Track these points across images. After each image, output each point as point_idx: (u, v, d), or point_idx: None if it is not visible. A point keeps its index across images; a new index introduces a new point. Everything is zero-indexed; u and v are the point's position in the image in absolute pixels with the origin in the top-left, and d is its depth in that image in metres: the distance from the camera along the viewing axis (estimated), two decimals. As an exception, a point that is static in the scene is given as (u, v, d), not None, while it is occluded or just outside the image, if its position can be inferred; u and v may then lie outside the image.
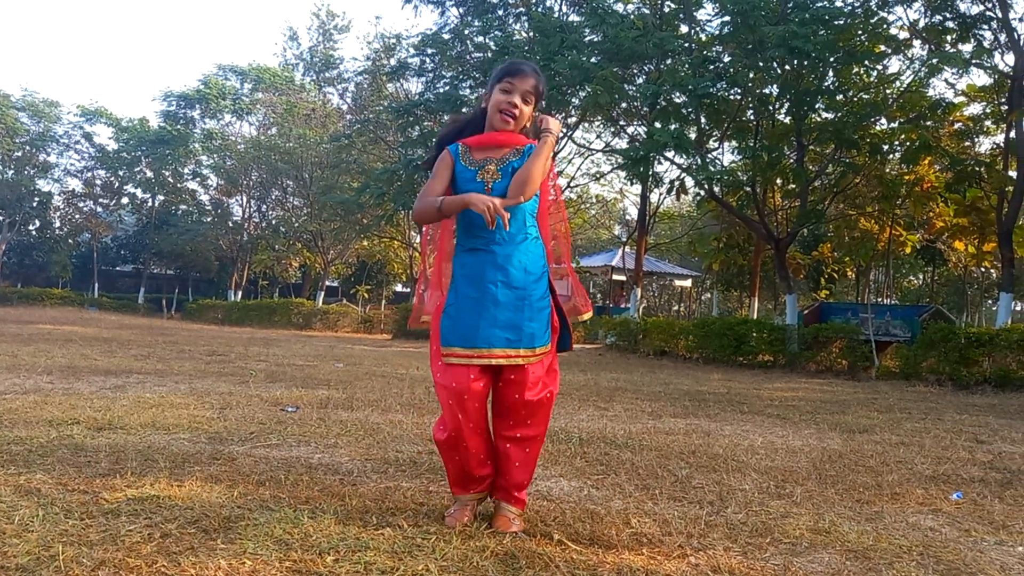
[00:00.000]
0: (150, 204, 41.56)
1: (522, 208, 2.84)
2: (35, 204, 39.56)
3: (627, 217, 38.27)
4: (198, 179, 41.86)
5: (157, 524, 2.57)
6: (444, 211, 2.82)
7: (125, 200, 41.86)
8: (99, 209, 41.16)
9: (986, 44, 15.45)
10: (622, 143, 22.50)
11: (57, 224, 41.47)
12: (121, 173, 40.18)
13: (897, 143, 16.76)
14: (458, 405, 2.73)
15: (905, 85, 16.23)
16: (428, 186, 2.89)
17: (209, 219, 39.79)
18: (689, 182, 18.97)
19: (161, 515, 2.67)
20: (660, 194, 23.69)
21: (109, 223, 41.46)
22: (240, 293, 37.60)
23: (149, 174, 39.91)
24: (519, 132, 2.90)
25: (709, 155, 17.58)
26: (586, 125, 25.04)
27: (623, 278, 28.51)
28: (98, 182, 40.92)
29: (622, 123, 21.33)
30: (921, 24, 15.95)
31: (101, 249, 41.50)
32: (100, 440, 4.06)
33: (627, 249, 27.14)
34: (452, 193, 2.88)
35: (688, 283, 34.87)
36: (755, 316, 21.60)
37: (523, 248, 2.85)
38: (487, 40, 21.72)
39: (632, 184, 24.64)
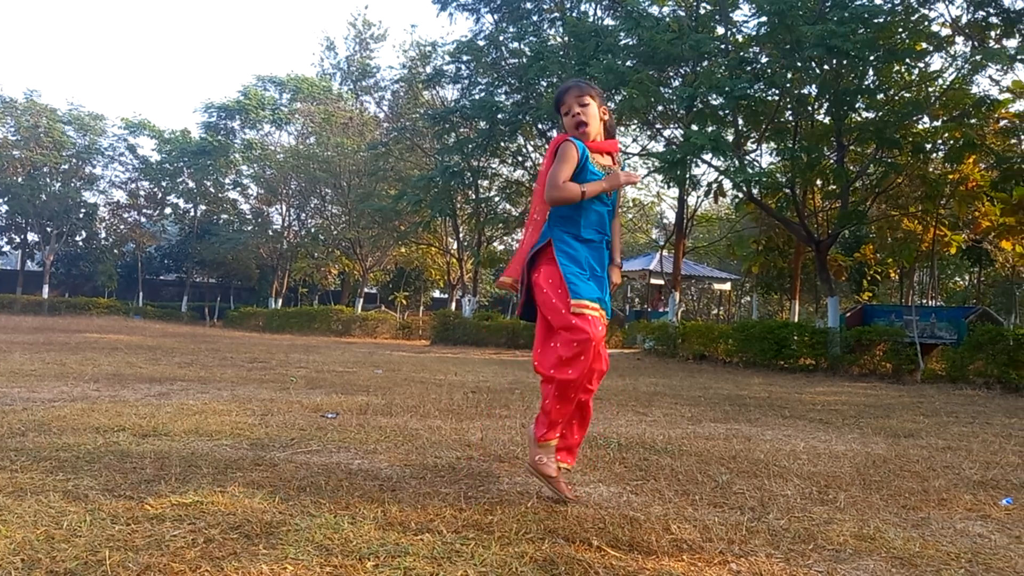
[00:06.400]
0: (192, 214, 42.28)
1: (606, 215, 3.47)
2: (81, 215, 40.38)
3: (664, 221, 38.09)
4: (239, 189, 42.48)
5: (201, 529, 2.61)
6: (588, 195, 3.29)
7: (168, 210, 42.57)
8: (143, 219, 41.94)
9: (1031, 39, 15.13)
10: (658, 146, 22.41)
11: (103, 235, 42.31)
12: (164, 184, 40.93)
13: (940, 142, 16.45)
14: (591, 350, 3.18)
15: (948, 83, 15.94)
16: (560, 172, 3.27)
17: (250, 228, 40.32)
18: (727, 184, 18.85)
19: (204, 520, 2.71)
20: (698, 197, 23.59)
21: (153, 233, 42.19)
22: (280, 300, 38.06)
23: (191, 184, 40.57)
24: (604, 131, 3.49)
25: (747, 157, 17.41)
26: (622, 129, 24.96)
27: (661, 282, 28.32)
28: (142, 193, 41.69)
29: (658, 126, 21.23)
30: (964, 20, 15.67)
31: (145, 259, 42.30)
32: (145, 447, 4.13)
33: (665, 253, 27.01)
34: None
35: (727, 286, 34.56)
36: (796, 319, 21.33)
37: (606, 246, 3.50)
38: (522, 46, 21.79)
39: (669, 187, 24.52)
